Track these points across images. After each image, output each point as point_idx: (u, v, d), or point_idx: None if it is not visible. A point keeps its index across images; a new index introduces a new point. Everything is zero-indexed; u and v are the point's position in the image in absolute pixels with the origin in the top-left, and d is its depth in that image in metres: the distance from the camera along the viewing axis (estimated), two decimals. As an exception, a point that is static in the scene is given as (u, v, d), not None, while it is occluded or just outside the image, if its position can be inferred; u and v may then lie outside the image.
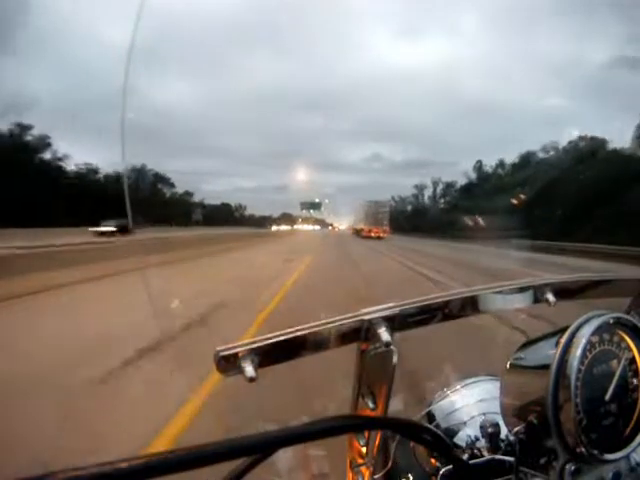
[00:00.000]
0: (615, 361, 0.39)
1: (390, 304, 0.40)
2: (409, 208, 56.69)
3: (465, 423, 0.49)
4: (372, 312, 0.38)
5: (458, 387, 0.54)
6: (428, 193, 53.91)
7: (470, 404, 0.51)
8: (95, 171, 39.74)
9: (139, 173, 45.82)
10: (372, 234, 33.40)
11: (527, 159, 34.76)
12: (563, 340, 0.38)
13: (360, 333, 0.38)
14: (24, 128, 34.03)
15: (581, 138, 29.47)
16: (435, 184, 53.07)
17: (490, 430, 0.45)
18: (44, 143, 35.02)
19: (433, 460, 0.46)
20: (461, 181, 48.48)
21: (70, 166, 37.43)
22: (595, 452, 0.37)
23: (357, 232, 39.55)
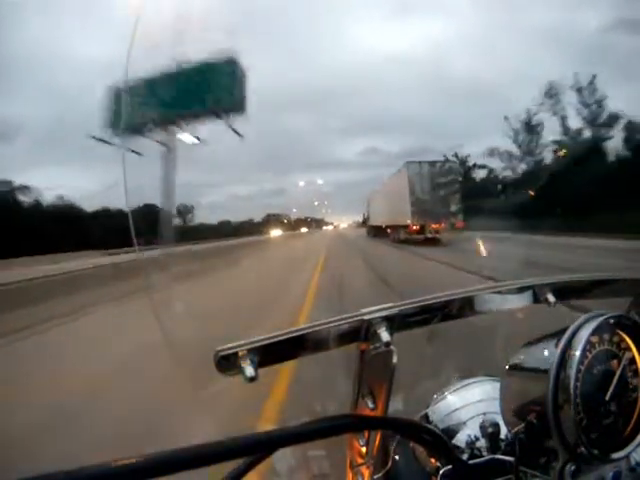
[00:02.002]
0: (615, 361, 0.39)
1: (390, 304, 0.40)
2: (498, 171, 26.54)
3: (465, 423, 0.49)
4: (372, 312, 0.38)
5: (458, 388, 0.54)
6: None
7: (470, 404, 0.51)
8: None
9: None
10: (426, 234, 14.84)
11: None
12: (563, 340, 0.38)
13: (360, 333, 0.38)
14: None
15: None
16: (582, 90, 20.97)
17: (490, 430, 0.45)
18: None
19: (433, 460, 0.46)
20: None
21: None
22: (595, 452, 0.37)
23: (380, 231, 20.57)
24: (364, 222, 32.97)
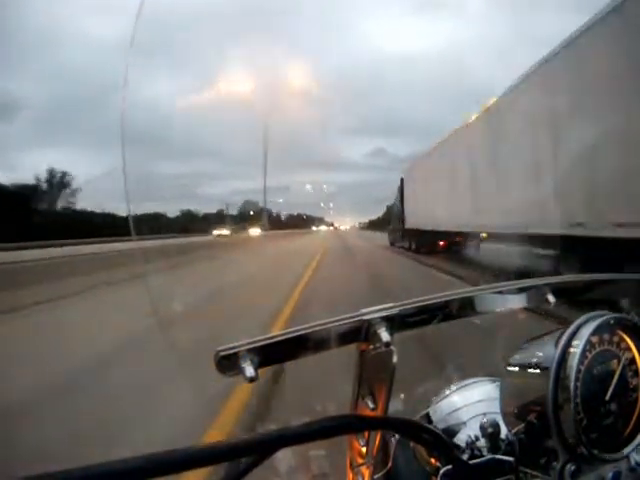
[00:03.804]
0: (615, 361, 0.39)
1: (390, 304, 0.39)
2: None
3: (465, 423, 0.48)
4: (372, 312, 0.38)
5: (458, 388, 0.54)
6: None
7: (470, 404, 0.50)
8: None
9: None
10: None
11: None
12: (563, 340, 0.38)
13: (360, 333, 0.38)
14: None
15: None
16: None
17: (490, 430, 0.45)
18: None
19: (433, 460, 0.46)
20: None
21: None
22: (595, 452, 0.37)
23: (428, 242, 12.55)
24: (385, 222, 22.83)
